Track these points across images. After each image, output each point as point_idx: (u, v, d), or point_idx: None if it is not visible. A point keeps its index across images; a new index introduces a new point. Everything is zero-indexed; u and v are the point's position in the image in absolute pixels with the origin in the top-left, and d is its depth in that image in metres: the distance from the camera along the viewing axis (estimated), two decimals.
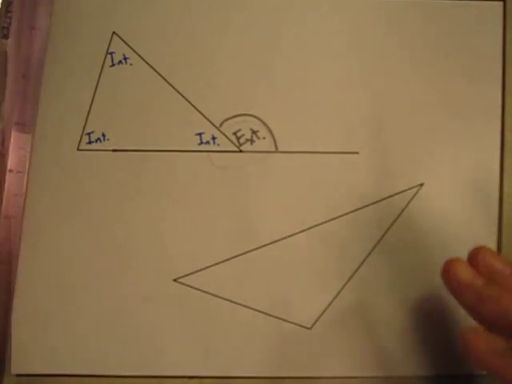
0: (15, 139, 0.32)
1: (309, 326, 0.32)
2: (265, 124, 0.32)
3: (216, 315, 0.32)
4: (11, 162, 0.32)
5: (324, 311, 0.32)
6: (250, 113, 0.32)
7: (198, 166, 0.32)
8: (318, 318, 0.32)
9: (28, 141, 0.32)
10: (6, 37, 0.29)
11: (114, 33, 0.32)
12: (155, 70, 0.32)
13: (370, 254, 0.32)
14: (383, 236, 0.32)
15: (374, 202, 0.32)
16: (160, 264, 0.32)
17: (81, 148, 0.32)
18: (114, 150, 0.32)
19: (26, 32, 0.30)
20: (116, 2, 0.33)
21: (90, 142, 0.32)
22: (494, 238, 0.33)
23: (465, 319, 0.32)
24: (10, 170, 0.32)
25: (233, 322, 0.32)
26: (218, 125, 0.32)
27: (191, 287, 0.32)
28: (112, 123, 0.32)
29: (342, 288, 0.32)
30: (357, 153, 0.32)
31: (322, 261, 0.32)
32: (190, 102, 0.32)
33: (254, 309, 0.32)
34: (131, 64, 0.32)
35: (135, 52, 0.32)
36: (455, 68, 0.32)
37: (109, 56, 0.32)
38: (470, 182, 0.32)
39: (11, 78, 0.30)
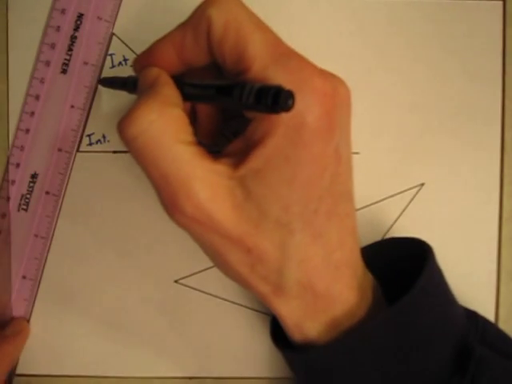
0: None
1: None
2: None
3: (217, 316, 0.32)
4: None
5: None
6: None
7: None
8: None
9: None
10: (64, 72, 0.31)
11: (113, 34, 0.32)
12: None
13: None
14: (384, 236, 0.32)
15: (375, 202, 0.32)
16: (161, 265, 0.32)
17: (81, 149, 0.32)
18: (115, 152, 0.32)
19: (78, 66, 0.32)
20: None
21: (90, 144, 0.32)
22: (495, 237, 0.33)
23: None
24: None
25: (233, 322, 0.32)
26: None
27: (192, 288, 0.32)
28: (112, 125, 0.32)
29: None
30: (357, 153, 0.32)
31: None
32: None
33: (254, 309, 0.32)
34: (131, 65, 0.32)
35: (135, 53, 0.32)
36: (455, 68, 0.32)
37: (109, 57, 0.32)
38: (470, 182, 0.32)
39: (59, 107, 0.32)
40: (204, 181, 0.23)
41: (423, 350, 0.25)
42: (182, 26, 0.25)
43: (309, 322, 0.25)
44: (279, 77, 0.22)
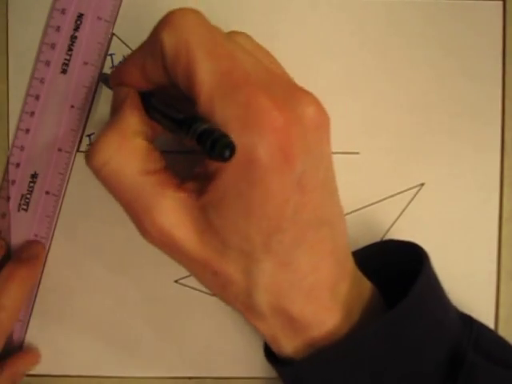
0: None
1: None
2: None
3: (217, 316, 0.32)
4: None
5: None
6: None
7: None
8: None
9: None
10: (64, 72, 0.31)
11: (113, 34, 0.32)
12: None
13: None
14: (384, 236, 0.32)
15: (375, 202, 0.32)
16: (161, 265, 0.32)
17: (81, 150, 0.32)
18: None
19: (78, 67, 0.32)
20: None
21: (90, 144, 0.32)
22: (495, 237, 0.33)
23: None
24: None
25: (233, 322, 0.32)
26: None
27: (192, 288, 0.32)
28: None
29: None
30: (357, 153, 0.32)
31: None
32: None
33: None
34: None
35: None
36: (455, 68, 0.32)
37: (109, 57, 0.32)
38: (470, 182, 0.32)
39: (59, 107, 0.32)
40: (167, 209, 0.23)
41: (415, 358, 0.25)
42: (141, 47, 0.25)
43: (285, 339, 0.25)
44: (226, 111, 0.21)
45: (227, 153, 0.19)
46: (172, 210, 0.23)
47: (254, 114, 0.21)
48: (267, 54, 0.26)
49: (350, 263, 0.26)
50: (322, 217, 0.24)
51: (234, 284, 0.24)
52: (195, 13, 0.23)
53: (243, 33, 0.26)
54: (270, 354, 0.27)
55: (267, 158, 0.21)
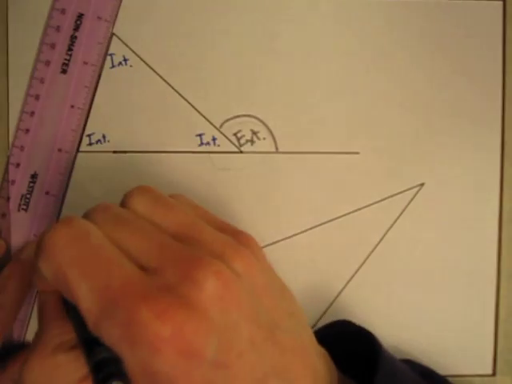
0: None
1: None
2: (265, 125, 0.33)
3: None
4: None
5: (325, 312, 0.32)
6: (250, 113, 0.33)
7: (199, 167, 0.33)
8: (319, 318, 0.32)
9: None
10: (64, 72, 0.31)
11: (113, 34, 0.32)
12: (155, 72, 0.32)
13: (370, 254, 0.33)
14: (384, 236, 0.33)
15: (375, 202, 0.33)
16: None
17: (81, 150, 0.32)
18: (115, 152, 0.32)
19: (78, 66, 0.32)
20: None
21: (90, 144, 0.32)
22: (495, 236, 0.33)
23: (467, 320, 0.32)
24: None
25: None
26: (218, 126, 0.33)
27: None
28: (112, 125, 0.32)
29: (343, 288, 0.33)
30: (357, 153, 0.32)
31: (323, 261, 0.33)
32: (190, 103, 0.32)
33: None
34: (131, 65, 0.32)
35: (135, 53, 0.32)
36: (455, 68, 0.32)
37: (109, 57, 0.32)
38: (470, 182, 0.32)
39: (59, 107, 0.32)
40: None
41: None
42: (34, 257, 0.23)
43: None
44: (111, 332, 0.20)
45: None
46: None
47: (137, 331, 0.19)
48: (169, 209, 0.24)
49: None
50: (264, 371, 0.21)
51: None
52: (65, 226, 0.21)
53: (139, 193, 0.24)
54: None
55: (167, 367, 0.19)
